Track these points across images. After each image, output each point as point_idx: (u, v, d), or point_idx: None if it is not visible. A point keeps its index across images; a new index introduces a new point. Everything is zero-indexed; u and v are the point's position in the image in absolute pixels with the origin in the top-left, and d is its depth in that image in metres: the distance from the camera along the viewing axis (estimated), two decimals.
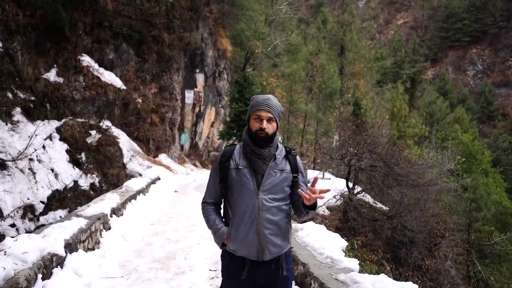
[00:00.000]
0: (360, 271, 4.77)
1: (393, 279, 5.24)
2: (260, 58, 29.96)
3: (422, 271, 14.19)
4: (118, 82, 16.24)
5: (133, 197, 8.73)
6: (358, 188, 15.68)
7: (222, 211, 2.59)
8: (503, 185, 26.93)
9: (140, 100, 17.59)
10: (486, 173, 24.64)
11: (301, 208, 2.44)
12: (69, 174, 11.58)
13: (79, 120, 13.56)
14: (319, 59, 29.72)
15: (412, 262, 13.84)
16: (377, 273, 8.63)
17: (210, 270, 5.00)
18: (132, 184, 9.58)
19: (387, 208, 16.14)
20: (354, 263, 4.50)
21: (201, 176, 18.81)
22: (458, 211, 17.19)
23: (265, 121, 2.42)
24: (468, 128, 32.41)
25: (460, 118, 34.81)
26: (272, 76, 30.20)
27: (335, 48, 33.37)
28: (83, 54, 15.34)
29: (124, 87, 16.53)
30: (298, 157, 2.58)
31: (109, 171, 12.95)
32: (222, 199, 2.59)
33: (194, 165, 22.62)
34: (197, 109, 23.57)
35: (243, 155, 2.49)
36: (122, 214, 7.35)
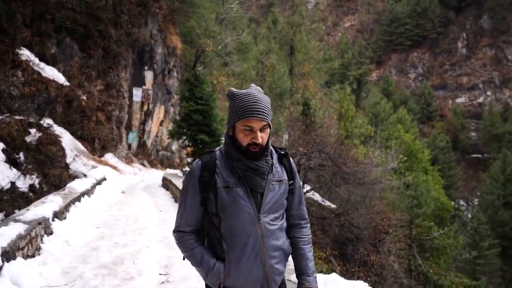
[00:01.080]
0: None
1: (341, 275, 5.38)
2: (210, 57, 29.70)
3: (368, 266, 14.71)
4: (60, 78, 15.46)
5: (77, 199, 8.34)
6: (307, 187, 15.98)
7: (206, 240, 2.04)
8: (441, 182, 28.58)
9: (84, 98, 16.87)
10: (426, 171, 26.00)
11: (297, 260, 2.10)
12: (5, 175, 10.85)
13: (17, 117, 12.75)
14: (269, 59, 29.96)
15: (358, 258, 14.31)
16: (328, 271, 8.83)
17: (160, 274, 4.86)
18: (76, 185, 9.15)
19: (335, 206, 16.58)
20: None
21: (149, 176, 18.39)
22: (400, 208, 17.99)
23: (258, 133, 1.88)
24: (409, 128, 34.03)
25: (402, 118, 36.47)
26: (223, 74, 30.03)
27: (285, 49, 33.79)
28: (22, 48, 14.44)
29: (68, 84, 15.77)
30: (291, 159, 2.11)
31: (50, 172, 12.28)
32: (206, 225, 2.04)
33: (142, 164, 22.07)
34: (145, 107, 23.00)
35: (229, 166, 1.95)
36: (65, 218, 6.99)
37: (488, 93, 60.04)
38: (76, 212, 7.63)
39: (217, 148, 2.04)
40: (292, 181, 2.05)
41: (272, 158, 1.99)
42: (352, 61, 54.40)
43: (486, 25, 63.89)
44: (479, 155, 52.59)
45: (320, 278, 4.17)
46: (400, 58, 66.61)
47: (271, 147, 2.02)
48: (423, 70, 64.99)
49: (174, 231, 2.07)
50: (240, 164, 1.92)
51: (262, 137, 1.89)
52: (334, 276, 4.10)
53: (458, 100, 60.22)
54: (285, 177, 2.02)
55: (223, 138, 14.71)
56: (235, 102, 1.92)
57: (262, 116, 1.87)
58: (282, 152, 2.07)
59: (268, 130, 1.93)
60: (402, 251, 16.33)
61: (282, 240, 1.99)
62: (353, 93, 43.60)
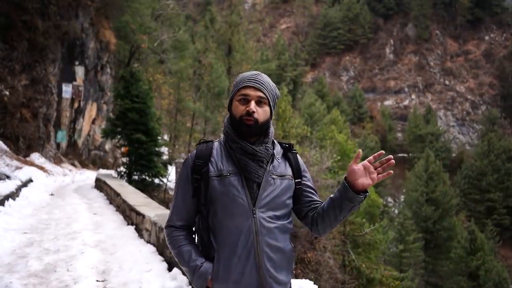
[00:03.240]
0: None
1: None
2: (146, 53, 28.86)
3: (305, 263, 15.05)
4: None
5: (0, 203, 7.71)
6: None
7: (197, 237, 1.87)
8: None
9: (7, 93, 15.66)
10: None
11: (344, 200, 1.75)
12: None
13: None
14: (207, 58, 29.67)
15: (296, 255, 14.60)
16: None
17: (97, 281, 4.58)
18: None
19: None
20: None
21: (81, 177, 17.49)
22: None
23: (253, 103, 1.74)
24: (342, 129, 35.30)
25: (335, 119, 37.73)
26: (159, 72, 29.34)
27: (223, 48, 33.64)
28: None
29: None
30: (299, 156, 1.92)
31: None
32: (197, 220, 1.86)
33: (73, 165, 20.93)
34: (76, 105, 21.81)
35: (227, 155, 1.79)
36: None
37: (413, 96, 64.20)
38: (0, 217, 7.01)
39: (217, 139, 1.89)
40: (299, 180, 1.85)
41: (273, 149, 1.82)
42: (288, 62, 55.48)
43: (411, 32, 68.26)
44: (404, 155, 55.96)
45: None
46: (333, 61, 69.14)
47: (274, 140, 1.87)
48: (355, 73, 67.98)
49: (165, 227, 1.89)
50: (236, 147, 1.76)
51: (257, 111, 1.74)
52: None
53: (386, 103, 63.71)
54: (289, 172, 1.82)
55: (160, 138, 14.22)
56: (236, 79, 1.82)
57: (259, 86, 1.75)
58: (286, 145, 1.88)
59: (267, 108, 1.78)
60: (337, 248, 16.88)
61: (283, 242, 1.76)
62: (289, 94, 44.49)
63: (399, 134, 59.75)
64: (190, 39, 34.36)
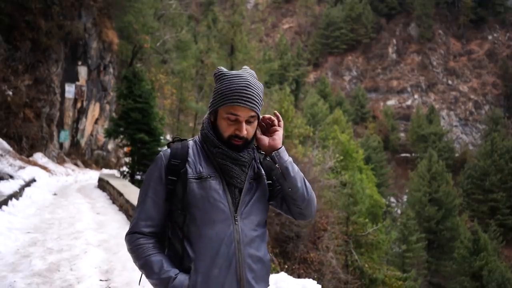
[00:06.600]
0: None
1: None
2: (148, 53, 28.91)
3: (307, 263, 15.03)
4: None
5: (4, 202, 7.71)
6: None
7: (167, 246, 1.66)
8: (374, 180, 29.97)
9: (10, 93, 15.70)
10: (361, 170, 27.10)
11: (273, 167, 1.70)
12: None
13: None
14: (209, 58, 29.68)
15: (298, 256, 14.59)
16: (275, 270, 8.87)
17: (100, 280, 4.59)
18: (2, 188, 8.50)
19: None
20: None
21: (84, 177, 17.55)
22: (338, 206, 18.55)
23: (244, 124, 1.58)
24: (345, 129, 35.26)
25: (338, 119, 37.74)
26: (161, 72, 29.36)
27: (225, 48, 33.62)
28: None
29: None
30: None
31: None
32: (168, 227, 1.67)
33: (76, 164, 20.99)
34: (79, 105, 21.87)
35: (205, 157, 1.64)
36: None
37: (416, 96, 64.05)
38: (3, 217, 7.04)
39: (191, 138, 1.73)
40: (270, 181, 1.74)
41: (254, 152, 1.70)
42: (290, 62, 55.42)
43: (414, 32, 68.09)
44: (407, 155, 55.86)
45: (270, 278, 4.15)
46: (336, 61, 69.03)
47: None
48: (357, 73, 67.87)
49: (128, 233, 1.65)
50: (217, 151, 1.61)
51: (247, 130, 1.60)
52: (284, 275, 4.10)
53: (389, 103, 63.57)
54: (263, 173, 1.72)
55: (162, 138, 14.23)
56: (222, 84, 1.62)
57: (251, 105, 1.57)
58: (255, 145, 1.74)
59: (255, 123, 1.64)
60: (340, 247, 16.86)
61: (263, 252, 1.65)
62: (292, 93, 44.47)
63: (402, 134, 59.61)
64: (192, 39, 34.39)
